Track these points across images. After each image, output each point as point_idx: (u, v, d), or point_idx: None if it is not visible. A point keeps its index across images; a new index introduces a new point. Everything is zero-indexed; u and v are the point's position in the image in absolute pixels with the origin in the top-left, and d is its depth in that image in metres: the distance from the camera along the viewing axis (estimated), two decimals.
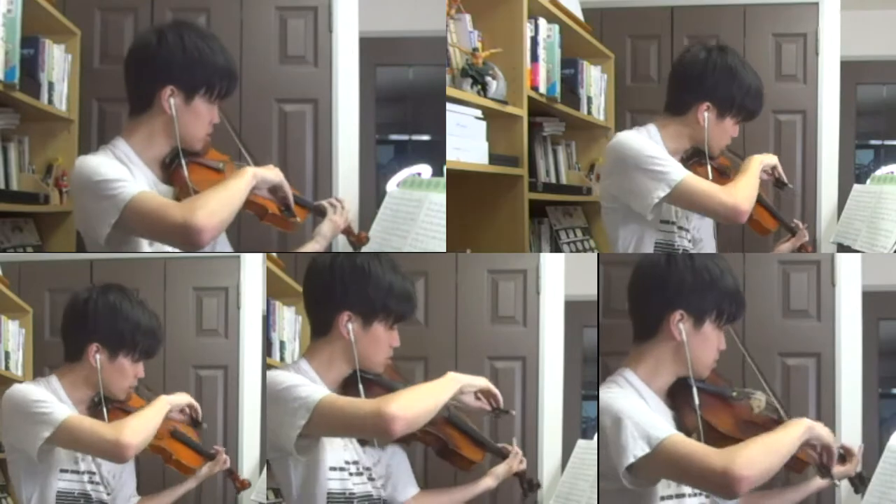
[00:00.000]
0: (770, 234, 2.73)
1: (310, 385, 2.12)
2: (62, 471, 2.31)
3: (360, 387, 2.18)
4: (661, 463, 1.99)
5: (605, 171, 2.64)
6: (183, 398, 2.44)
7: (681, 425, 2.11)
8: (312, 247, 2.46)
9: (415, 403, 2.03)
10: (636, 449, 1.97)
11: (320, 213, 2.49)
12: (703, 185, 2.46)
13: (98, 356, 2.32)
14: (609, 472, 2.04)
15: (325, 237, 2.47)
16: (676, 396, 2.15)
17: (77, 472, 2.34)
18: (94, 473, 2.36)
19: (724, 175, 2.56)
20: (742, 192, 2.46)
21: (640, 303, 2.20)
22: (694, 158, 2.55)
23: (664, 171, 2.43)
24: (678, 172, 2.43)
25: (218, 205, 2.13)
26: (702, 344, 2.13)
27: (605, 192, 2.63)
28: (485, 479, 2.52)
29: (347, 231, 2.55)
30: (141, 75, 2.24)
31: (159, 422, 2.32)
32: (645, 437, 1.97)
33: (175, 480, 2.66)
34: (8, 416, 2.29)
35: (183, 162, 2.24)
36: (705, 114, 2.50)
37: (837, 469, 2.29)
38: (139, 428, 2.26)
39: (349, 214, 2.54)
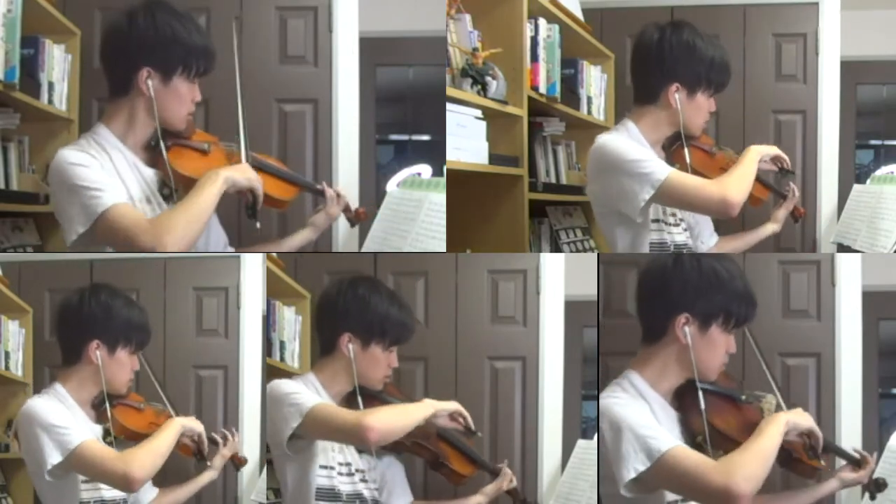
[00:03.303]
0: (761, 204, 2.61)
1: (306, 393, 2.34)
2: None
3: (360, 400, 2.41)
4: (660, 477, 1.99)
5: (590, 176, 2.58)
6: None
7: (687, 427, 2.11)
8: (306, 235, 2.60)
9: (391, 418, 2.26)
10: (636, 462, 1.97)
11: (320, 194, 2.57)
12: (688, 180, 2.39)
13: (98, 353, 2.35)
14: (609, 476, 2.04)
15: (318, 227, 2.60)
16: (684, 398, 2.15)
17: None
18: None
19: (709, 154, 2.49)
20: (733, 185, 2.36)
21: (645, 305, 2.20)
22: (677, 143, 2.48)
23: (647, 172, 2.36)
24: (661, 171, 2.37)
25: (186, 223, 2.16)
26: (708, 347, 2.12)
27: (594, 197, 2.59)
28: (475, 497, 2.62)
29: (346, 209, 2.63)
30: (116, 59, 2.24)
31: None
32: (645, 450, 1.97)
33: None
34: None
35: (162, 146, 2.24)
36: (676, 95, 2.42)
37: (849, 475, 2.35)
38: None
39: (346, 199, 2.62)
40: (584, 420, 3.74)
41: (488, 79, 2.85)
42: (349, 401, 2.44)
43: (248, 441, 3.63)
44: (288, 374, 3.26)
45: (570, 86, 3.64)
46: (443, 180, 2.70)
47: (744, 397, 2.16)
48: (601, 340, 2.57)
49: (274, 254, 3.21)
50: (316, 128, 3.59)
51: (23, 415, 2.28)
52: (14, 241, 3.12)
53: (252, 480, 3.54)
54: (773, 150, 2.51)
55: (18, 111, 2.96)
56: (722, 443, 2.09)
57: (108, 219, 2.11)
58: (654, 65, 2.44)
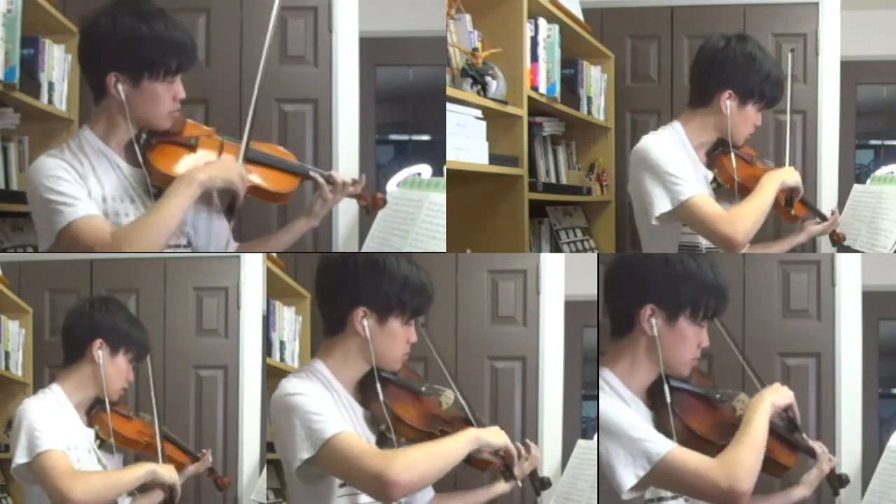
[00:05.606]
0: (798, 221, 2.73)
1: (326, 415, 1.98)
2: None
3: (378, 386, 2.10)
4: (660, 478, 1.98)
5: (630, 173, 2.64)
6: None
7: (658, 426, 2.09)
8: (303, 224, 2.47)
9: (421, 467, 1.93)
10: (637, 468, 1.95)
11: (326, 181, 2.41)
12: (706, 209, 2.44)
13: (100, 352, 2.33)
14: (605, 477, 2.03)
15: (316, 214, 2.46)
16: (655, 396, 2.11)
17: None
18: None
19: (749, 163, 2.59)
20: (743, 224, 2.43)
21: (612, 298, 2.17)
22: (720, 149, 2.58)
23: (674, 188, 2.44)
24: (687, 192, 2.43)
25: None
26: (677, 340, 2.07)
27: (632, 193, 2.65)
28: (499, 483, 2.51)
29: (359, 196, 2.48)
30: (86, 65, 2.20)
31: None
32: (644, 454, 1.95)
33: None
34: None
35: (136, 148, 2.19)
36: (727, 102, 2.52)
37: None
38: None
39: (360, 185, 2.46)
40: (584, 420, 3.74)
41: (488, 79, 2.85)
42: (364, 388, 2.13)
43: (248, 441, 3.63)
44: (288, 375, 3.25)
45: (570, 86, 3.64)
46: (443, 180, 2.70)
47: (718, 396, 2.13)
48: (601, 340, 2.57)
49: (274, 254, 3.21)
50: (316, 128, 3.59)
51: (16, 414, 2.29)
52: (14, 241, 3.13)
53: (252, 480, 3.55)
54: (792, 181, 2.56)
55: (18, 111, 2.96)
56: (693, 442, 2.04)
57: (70, 234, 2.11)
58: (714, 70, 2.54)
